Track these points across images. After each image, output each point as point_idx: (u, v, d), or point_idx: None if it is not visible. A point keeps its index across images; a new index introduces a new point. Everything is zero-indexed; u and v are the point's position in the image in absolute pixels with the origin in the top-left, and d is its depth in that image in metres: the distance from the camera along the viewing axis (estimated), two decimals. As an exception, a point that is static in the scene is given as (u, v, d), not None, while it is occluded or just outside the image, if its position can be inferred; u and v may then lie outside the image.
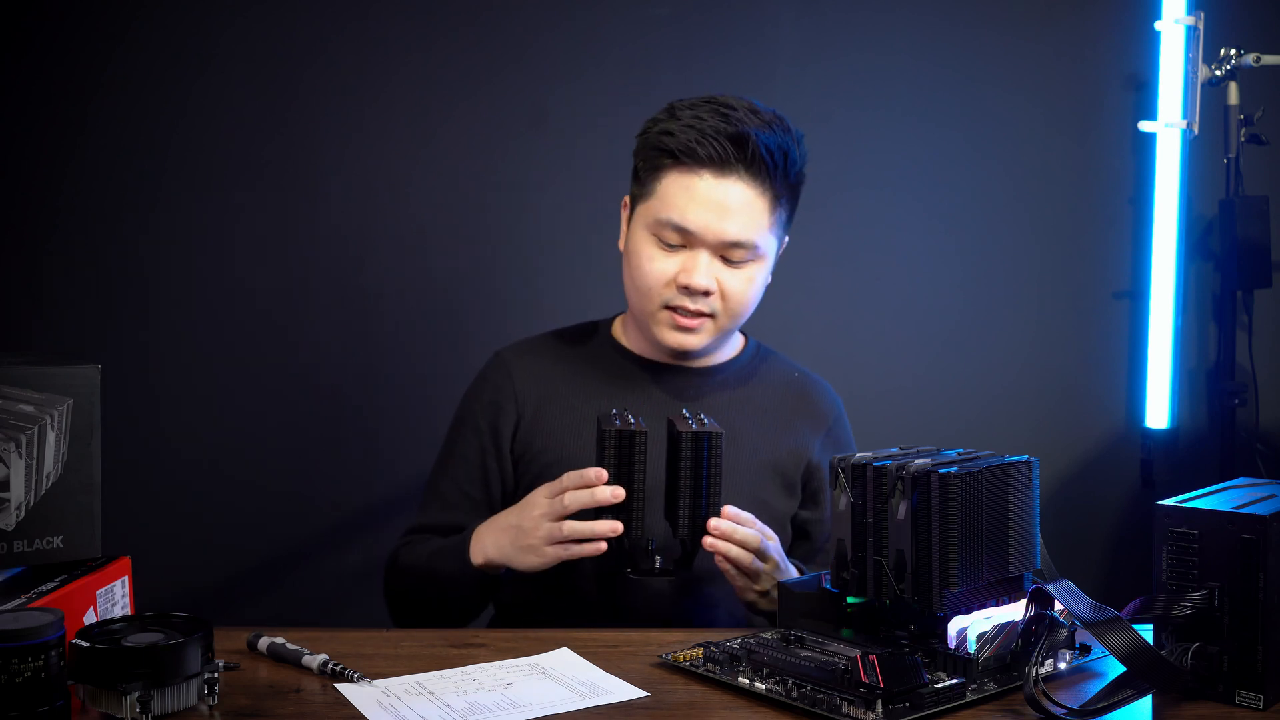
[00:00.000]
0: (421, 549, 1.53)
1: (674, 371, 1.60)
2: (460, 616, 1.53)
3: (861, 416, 1.77)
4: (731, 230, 1.47)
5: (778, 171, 1.48)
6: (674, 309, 1.52)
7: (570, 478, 1.34)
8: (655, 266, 1.51)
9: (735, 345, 1.66)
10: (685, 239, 1.49)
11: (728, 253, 1.49)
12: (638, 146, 1.55)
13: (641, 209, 1.53)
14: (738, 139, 1.46)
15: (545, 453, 1.56)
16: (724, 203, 1.46)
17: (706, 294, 1.50)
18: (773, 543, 1.38)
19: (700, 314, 1.51)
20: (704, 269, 1.49)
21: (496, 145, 2.46)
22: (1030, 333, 2.57)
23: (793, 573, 1.42)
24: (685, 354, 1.58)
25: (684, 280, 1.49)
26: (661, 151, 1.49)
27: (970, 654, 1.12)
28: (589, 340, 1.66)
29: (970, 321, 2.56)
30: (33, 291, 2.42)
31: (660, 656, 1.21)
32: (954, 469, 1.12)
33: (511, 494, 1.58)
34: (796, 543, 1.63)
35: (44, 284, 2.43)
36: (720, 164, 1.46)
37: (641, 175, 1.54)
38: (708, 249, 1.49)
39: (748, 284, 1.51)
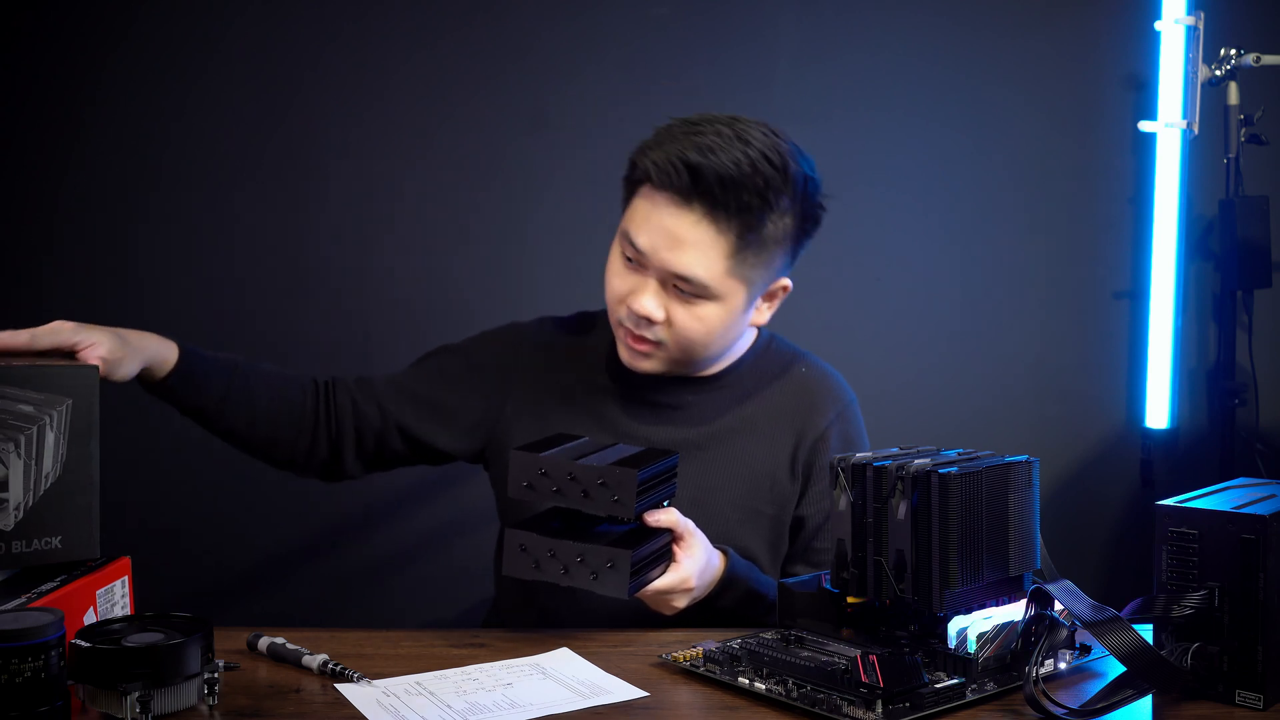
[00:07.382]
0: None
1: (665, 382, 1.53)
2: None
3: (862, 416, 1.76)
4: (677, 263, 1.39)
5: (746, 215, 1.37)
6: (627, 329, 1.46)
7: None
8: (616, 281, 1.46)
9: (741, 345, 1.57)
10: (639, 258, 1.42)
11: (678, 284, 1.41)
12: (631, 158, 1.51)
13: (622, 218, 1.48)
14: (695, 170, 1.36)
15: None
16: (675, 233, 1.38)
17: (651, 321, 1.43)
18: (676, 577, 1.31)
19: (646, 340, 1.45)
20: (651, 296, 1.42)
21: (496, 145, 2.46)
22: (1030, 333, 2.57)
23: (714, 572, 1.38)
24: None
25: (630, 304, 1.43)
26: (636, 167, 1.45)
27: (970, 654, 1.12)
28: (587, 340, 1.60)
29: (970, 321, 2.56)
30: (33, 291, 2.42)
31: (660, 656, 1.21)
32: (954, 469, 1.12)
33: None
34: (791, 537, 1.57)
35: (44, 284, 2.42)
36: (680, 192, 1.37)
37: (627, 187, 1.49)
38: (656, 276, 1.42)
39: (697, 322, 1.42)
